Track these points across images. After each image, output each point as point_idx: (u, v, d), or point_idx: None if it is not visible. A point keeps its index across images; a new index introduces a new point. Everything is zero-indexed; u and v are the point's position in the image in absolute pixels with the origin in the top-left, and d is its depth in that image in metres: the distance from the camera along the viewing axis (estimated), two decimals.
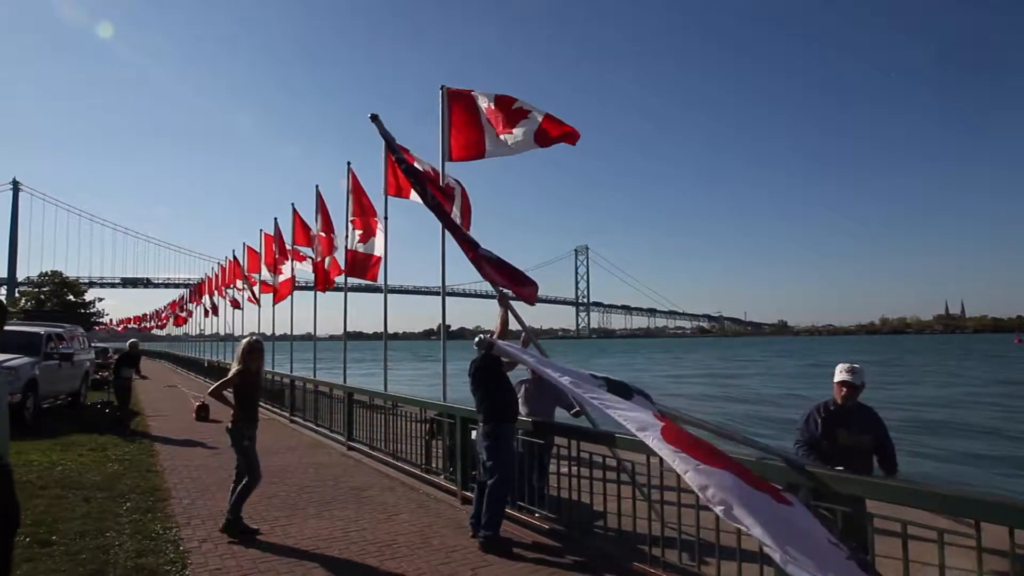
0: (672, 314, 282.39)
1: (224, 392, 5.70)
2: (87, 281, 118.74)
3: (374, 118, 6.15)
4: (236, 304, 24.87)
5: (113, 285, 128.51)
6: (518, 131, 6.74)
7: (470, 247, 5.79)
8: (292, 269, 15.39)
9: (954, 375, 41.32)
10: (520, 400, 6.13)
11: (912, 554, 3.04)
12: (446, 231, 6.17)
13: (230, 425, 5.64)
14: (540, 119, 6.65)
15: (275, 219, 16.54)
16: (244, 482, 5.51)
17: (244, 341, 5.97)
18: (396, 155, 6.26)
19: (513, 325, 5.82)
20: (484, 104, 7.02)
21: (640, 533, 4.68)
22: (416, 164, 7.54)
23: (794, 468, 3.44)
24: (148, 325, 57.72)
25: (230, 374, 5.75)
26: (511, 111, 6.80)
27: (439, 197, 6.18)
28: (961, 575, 3.10)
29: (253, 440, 5.66)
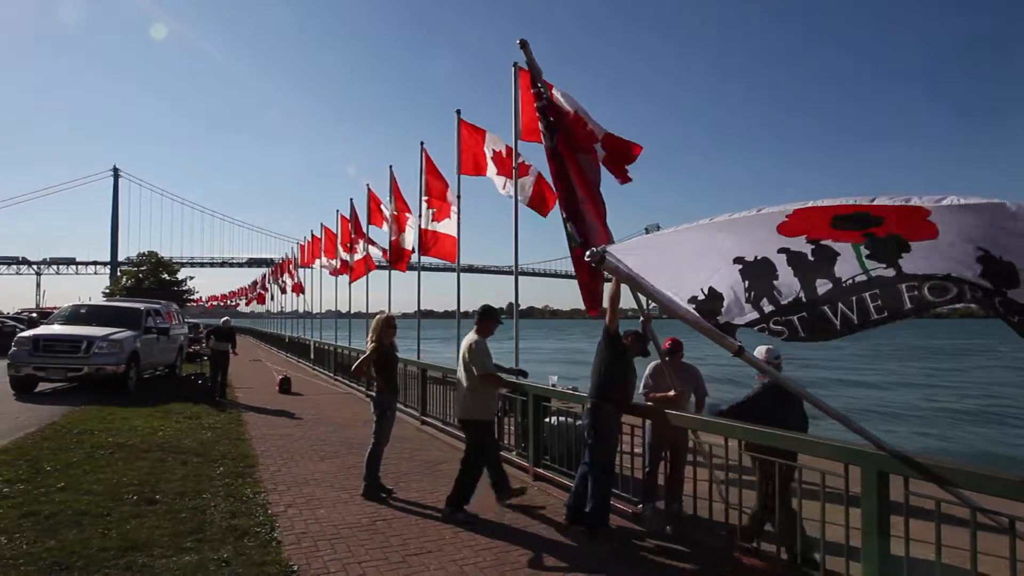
0: None
1: (367, 367, 6.07)
2: (220, 261, 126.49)
3: (523, 44, 5.88)
4: (299, 288, 25.95)
5: (232, 264, 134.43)
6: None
7: (573, 211, 5.64)
8: (367, 249, 15.83)
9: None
10: (647, 386, 5.74)
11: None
12: (574, 195, 5.70)
13: (375, 395, 6.13)
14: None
15: (351, 200, 17.11)
16: (372, 445, 5.96)
17: (377, 318, 6.26)
18: (539, 88, 5.99)
19: (629, 304, 5.28)
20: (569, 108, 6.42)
21: (719, 520, 4.58)
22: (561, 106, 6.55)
23: (891, 455, 3.25)
24: (235, 303, 61.19)
25: (368, 351, 6.08)
26: (586, 131, 6.31)
27: (562, 147, 5.83)
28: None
29: (394, 410, 6.16)
